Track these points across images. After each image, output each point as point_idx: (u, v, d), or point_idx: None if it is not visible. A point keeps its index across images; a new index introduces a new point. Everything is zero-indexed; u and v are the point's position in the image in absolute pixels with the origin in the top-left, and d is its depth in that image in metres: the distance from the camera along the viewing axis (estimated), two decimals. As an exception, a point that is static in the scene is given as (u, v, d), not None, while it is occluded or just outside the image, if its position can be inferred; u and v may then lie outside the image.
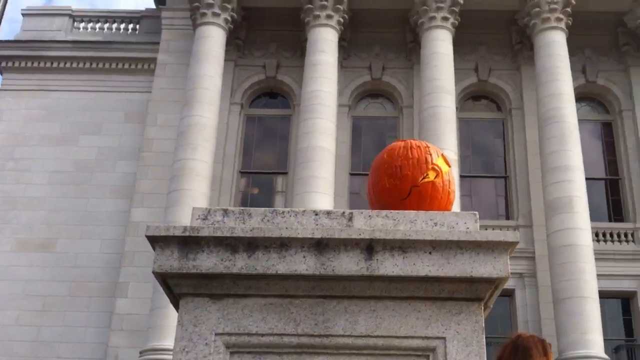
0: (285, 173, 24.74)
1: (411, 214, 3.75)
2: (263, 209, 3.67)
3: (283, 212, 3.63)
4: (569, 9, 23.84)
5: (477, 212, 3.70)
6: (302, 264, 3.42)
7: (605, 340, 19.71)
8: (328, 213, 3.63)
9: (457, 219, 3.68)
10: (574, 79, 23.83)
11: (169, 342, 18.24)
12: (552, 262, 20.55)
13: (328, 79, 23.11)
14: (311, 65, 23.30)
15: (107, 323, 22.01)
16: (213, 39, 23.64)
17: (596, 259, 20.55)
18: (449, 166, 4.55)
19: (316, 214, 3.64)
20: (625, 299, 22.89)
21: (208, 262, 3.44)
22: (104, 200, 24.23)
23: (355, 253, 3.46)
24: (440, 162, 4.43)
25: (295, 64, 25.72)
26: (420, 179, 4.26)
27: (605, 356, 19.16)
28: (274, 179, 25.23)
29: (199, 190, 21.31)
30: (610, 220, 23.97)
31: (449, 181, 4.48)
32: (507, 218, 23.90)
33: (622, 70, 25.77)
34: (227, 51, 24.70)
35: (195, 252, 3.46)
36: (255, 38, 26.20)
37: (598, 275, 20.27)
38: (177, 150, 22.15)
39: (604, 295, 20.75)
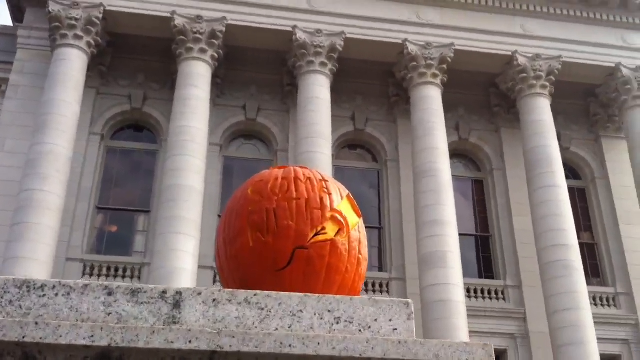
0: (148, 211, 22.82)
1: (294, 298, 2.24)
2: (5, 278, 2.07)
3: (43, 287, 2.07)
4: (444, 66, 23.98)
5: (410, 301, 2.32)
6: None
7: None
8: (134, 292, 2.13)
9: (376, 312, 2.21)
10: (448, 135, 23.84)
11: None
12: (425, 317, 19.90)
13: (199, 115, 21.63)
14: (181, 100, 21.76)
15: None
16: (73, 63, 21.56)
17: (467, 316, 20.16)
18: (359, 215, 2.92)
19: (109, 294, 2.08)
20: (495, 357, 22.60)
21: None
22: (-62, 232, 21.14)
23: (182, 380, 1.89)
24: (344, 206, 2.76)
25: (164, 97, 24.08)
26: (312, 234, 2.61)
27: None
28: (135, 217, 23.17)
29: (47, 224, 19.01)
30: (481, 277, 23.89)
31: (359, 241, 2.80)
32: (380, 269, 23.23)
33: (493, 130, 26.20)
34: (89, 77, 22.69)
35: None
36: (121, 66, 24.32)
37: (469, 332, 19.85)
38: (24, 180, 19.76)
39: (472, 354, 20.28)
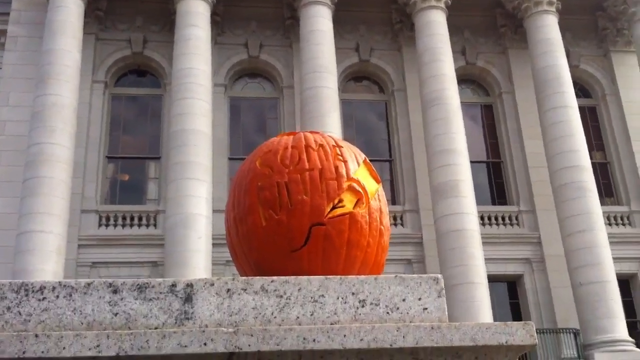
0: (159, 158, 22.76)
1: (314, 282, 2.06)
2: (1, 282, 1.98)
3: (42, 289, 1.92)
4: (448, -13, 23.32)
5: (439, 276, 2.20)
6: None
7: (492, 325, 19.38)
8: (141, 288, 1.96)
9: (403, 291, 2.03)
10: (454, 60, 23.35)
11: None
12: (440, 247, 20.00)
13: (201, 55, 21.29)
14: (182, 41, 21.38)
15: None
16: (69, 9, 21.11)
17: (482, 243, 20.21)
18: (378, 181, 2.65)
19: (115, 291, 1.94)
20: (511, 282, 22.84)
21: None
22: (-50, 189, 21.28)
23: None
24: (362, 173, 2.50)
25: (164, 38, 23.65)
26: (329, 209, 2.37)
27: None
28: (146, 164, 23.13)
29: (58, 177, 19.02)
30: (494, 204, 23.81)
31: (380, 210, 2.55)
32: (393, 203, 23.13)
33: (500, 52, 25.68)
34: (86, 23, 22.28)
35: None
36: (118, 9, 23.82)
37: (485, 259, 19.96)
38: (31, 133, 19.68)
39: (491, 279, 20.52)
